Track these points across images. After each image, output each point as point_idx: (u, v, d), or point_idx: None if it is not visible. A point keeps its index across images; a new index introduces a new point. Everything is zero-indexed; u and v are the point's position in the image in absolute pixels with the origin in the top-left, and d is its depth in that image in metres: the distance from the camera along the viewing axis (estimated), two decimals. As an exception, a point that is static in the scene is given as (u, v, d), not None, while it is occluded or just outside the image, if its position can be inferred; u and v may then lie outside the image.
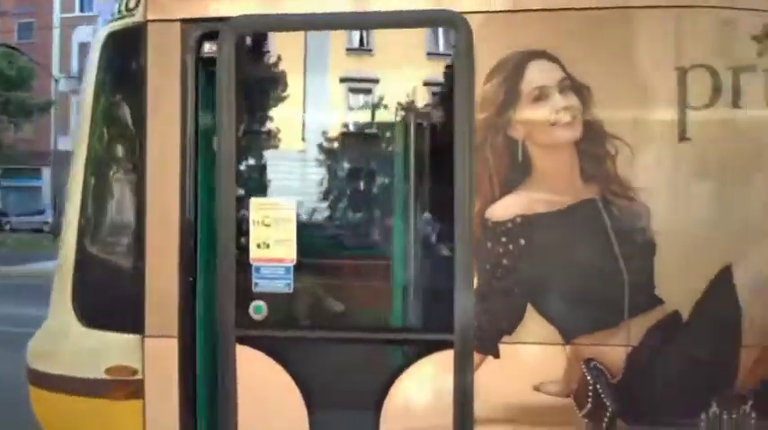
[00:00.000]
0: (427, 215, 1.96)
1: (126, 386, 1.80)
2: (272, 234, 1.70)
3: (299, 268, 1.73)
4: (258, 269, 1.72)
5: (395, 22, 1.73)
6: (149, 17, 1.83)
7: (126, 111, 1.94)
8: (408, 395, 1.70)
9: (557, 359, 1.68)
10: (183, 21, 1.83)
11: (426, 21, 1.77)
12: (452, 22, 1.66)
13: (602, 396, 1.67)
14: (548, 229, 1.69)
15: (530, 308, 1.68)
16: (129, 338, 1.85)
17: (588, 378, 1.68)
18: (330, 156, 2.11)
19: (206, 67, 1.87)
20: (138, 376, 1.82)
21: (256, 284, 1.72)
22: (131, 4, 1.91)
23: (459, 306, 1.63)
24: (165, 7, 1.85)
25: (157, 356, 1.83)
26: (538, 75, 1.67)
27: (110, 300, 1.95)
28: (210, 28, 1.82)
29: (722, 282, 1.66)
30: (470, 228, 1.65)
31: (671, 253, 1.66)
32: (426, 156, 1.96)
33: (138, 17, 1.88)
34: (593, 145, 1.67)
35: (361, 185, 2.22)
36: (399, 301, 1.94)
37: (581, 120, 1.68)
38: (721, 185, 1.70)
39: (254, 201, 1.75)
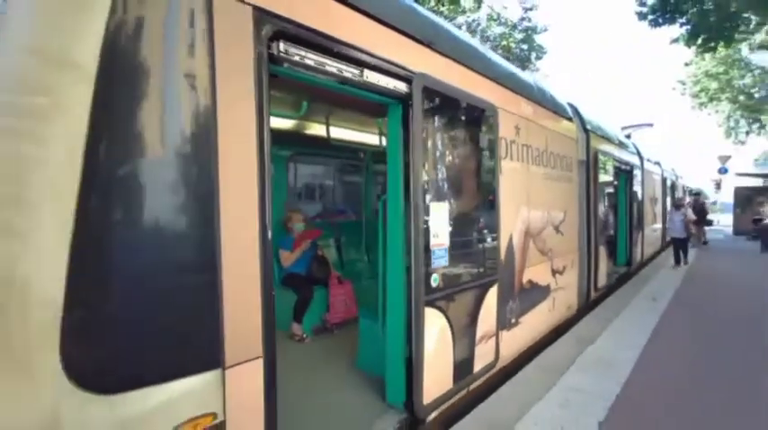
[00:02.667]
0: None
1: None
2: (439, 226, 2.61)
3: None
4: (434, 252, 2.57)
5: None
6: None
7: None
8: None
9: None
10: (257, 8, 1.65)
11: (480, 103, 3.05)
12: (493, 109, 3.08)
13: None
14: None
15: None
16: (200, 379, 1.48)
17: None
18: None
19: (273, 64, 1.77)
20: (217, 420, 1.51)
21: (433, 263, 2.57)
22: None
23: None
24: None
25: (241, 387, 1.59)
26: None
27: (159, 341, 1.41)
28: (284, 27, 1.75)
29: (510, 241, 3.51)
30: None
31: (504, 228, 3.33)
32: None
33: None
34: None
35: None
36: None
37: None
38: (513, 195, 3.55)
39: (432, 205, 2.60)
